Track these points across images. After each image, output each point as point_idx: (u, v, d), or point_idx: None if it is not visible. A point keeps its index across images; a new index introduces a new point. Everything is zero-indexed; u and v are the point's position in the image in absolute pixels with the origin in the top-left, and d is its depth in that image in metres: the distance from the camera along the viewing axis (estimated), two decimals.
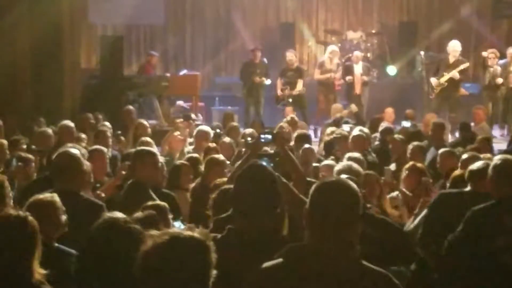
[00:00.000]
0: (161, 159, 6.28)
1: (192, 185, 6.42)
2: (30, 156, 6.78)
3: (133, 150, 7.47)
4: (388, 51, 17.30)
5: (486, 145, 8.27)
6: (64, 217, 3.94)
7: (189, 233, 2.36)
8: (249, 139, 6.72)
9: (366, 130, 9.31)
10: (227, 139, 8.57)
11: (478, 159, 5.66)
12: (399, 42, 17.80)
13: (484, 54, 14.10)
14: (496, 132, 13.41)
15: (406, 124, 11.15)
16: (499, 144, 11.05)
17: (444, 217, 4.73)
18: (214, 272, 2.37)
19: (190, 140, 9.64)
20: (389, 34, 17.87)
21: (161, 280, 2.30)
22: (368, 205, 4.79)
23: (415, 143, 8.02)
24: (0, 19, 11.59)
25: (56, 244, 3.86)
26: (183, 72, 15.96)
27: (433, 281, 4.90)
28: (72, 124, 8.73)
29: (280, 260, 2.65)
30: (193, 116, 12.22)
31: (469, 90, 14.71)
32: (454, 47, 13.26)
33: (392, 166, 7.63)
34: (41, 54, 11.93)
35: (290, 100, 13.77)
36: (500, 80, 13.45)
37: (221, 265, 2.44)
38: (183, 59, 18.62)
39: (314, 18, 18.87)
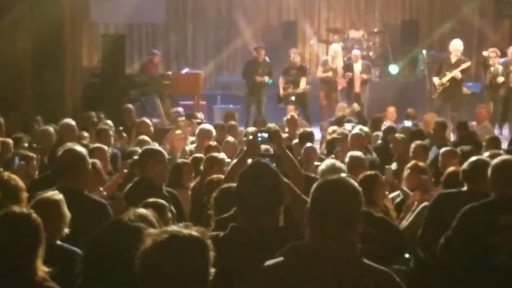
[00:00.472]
0: None
1: (192, 184, 6.44)
2: (32, 154, 6.79)
3: (135, 148, 7.51)
4: (390, 50, 17.28)
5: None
6: (67, 216, 3.94)
7: (187, 231, 2.36)
8: (250, 137, 6.72)
9: (366, 129, 9.30)
10: (230, 139, 8.56)
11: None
12: (401, 41, 17.77)
13: (485, 53, 14.08)
14: (496, 131, 13.38)
15: (408, 123, 11.14)
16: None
17: (443, 217, 4.72)
18: (212, 270, 2.37)
19: (192, 138, 9.65)
20: (391, 33, 17.84)
21: (160, 278, 2.30)
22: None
23: (418, 142, 8.01)
24: (1, 18, 11.55)
25: (59, 242, 3.86)
26: (185, 70, 15.94)
27: (433, 281, 4.91)
28: (73, 123, 8.73)
29: (281, 258, 2.65)
30: (198, 114, 12.22)
31: (471, 89, 14.68)
32: (456, 46, 13.24)
33: (393, 165, 7.63)
34: (42, 53, 11.90)
35: (293, 98, 13.76)
36: (501, 79, 13.44)
37: (223, 263, 2.45)
38: (185, 58, 18.61)
39: (316, 17, 18.86)
